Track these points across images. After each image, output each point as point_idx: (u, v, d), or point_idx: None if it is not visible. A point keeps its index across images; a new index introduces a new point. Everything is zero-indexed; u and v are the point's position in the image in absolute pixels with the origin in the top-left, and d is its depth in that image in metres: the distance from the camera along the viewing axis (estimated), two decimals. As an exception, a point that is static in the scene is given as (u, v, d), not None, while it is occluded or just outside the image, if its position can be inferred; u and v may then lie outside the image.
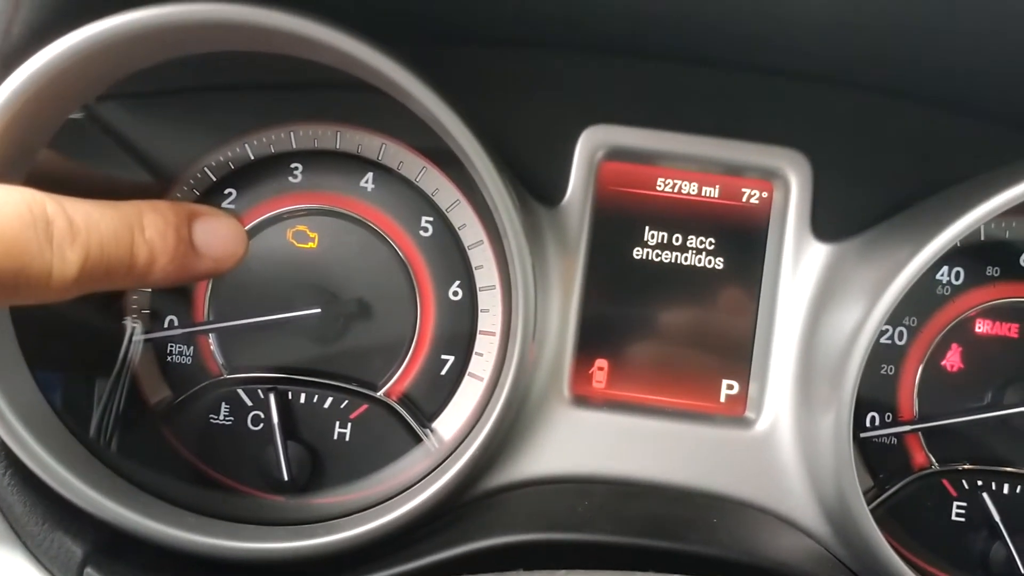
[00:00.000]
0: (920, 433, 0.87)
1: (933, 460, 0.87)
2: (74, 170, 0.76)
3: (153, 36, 0.63)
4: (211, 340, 0.87)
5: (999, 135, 0.86)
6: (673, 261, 0.88)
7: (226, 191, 0.87)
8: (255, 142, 0.88)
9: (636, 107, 0.86)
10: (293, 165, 0.88)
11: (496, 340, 0.87)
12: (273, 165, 0.88)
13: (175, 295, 0.87)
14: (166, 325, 0.87)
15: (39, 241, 0.59)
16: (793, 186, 0.86)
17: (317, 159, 0.88)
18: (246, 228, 0.86)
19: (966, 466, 0.86)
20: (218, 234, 0.70)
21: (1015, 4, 0.65)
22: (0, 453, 0.74)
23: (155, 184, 0.85)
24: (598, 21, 0.82)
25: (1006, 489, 0.85)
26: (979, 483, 0.86)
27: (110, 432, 0.84)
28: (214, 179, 0.87)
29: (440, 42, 0.85)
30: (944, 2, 0.68)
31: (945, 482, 0.86)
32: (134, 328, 0.87)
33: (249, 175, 0.88)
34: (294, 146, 0.88)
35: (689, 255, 0.88)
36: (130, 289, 0.86)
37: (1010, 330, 0.88)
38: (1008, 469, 0.86)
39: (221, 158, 0.87)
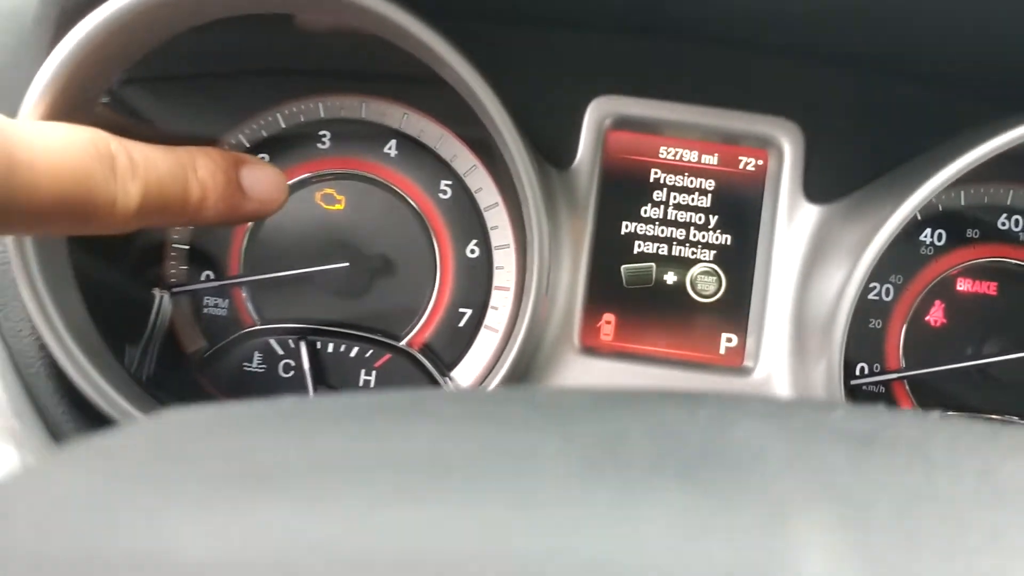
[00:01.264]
0: (905, 381, 0.93)
1: (918, 407, 0.93)
2: (129, 124, 0.82)
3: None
4: (244, 293, 0.93)
5: (980, 108, 0.93)
6: (675, 222, 0.94)
7: (259, 156, 0.94)
8: (286, 112, 0.94)
9: (641, 80, 0.93)
10: (321, 133, 0.94)
11: (510, 295, 0.93)
12: (303, 133, 0.94)
13: (212, 251, 0.94)
14: (202, 279, 0.93)
15: (104, 173, 0.64)
16: (787, 153, 0.93)
17: (344, 127, 0.94)
18: (279, 190, 0.93)
19: (949, 413, 0.92)
20: (263, 179, 0.77)
21: None
22: (55, 385, 0.80)
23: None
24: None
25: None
26: (962, 429, 0.92)
27: (147, 377, 0.90)
28: (247, 145, 0.94)
29: (458, 18, 0.92)
30: None
31: (930, 429, 0.92)
32: (163, 296, 0.93)
33: (281, 142, 0.94)
34: (322, 115, 0.94)
35: (690, 217, 0.94)
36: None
37: (989, 288, 0.94)
38: (988, 416, 0.92)
39: (255, 127, 0.94)
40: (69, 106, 0.71)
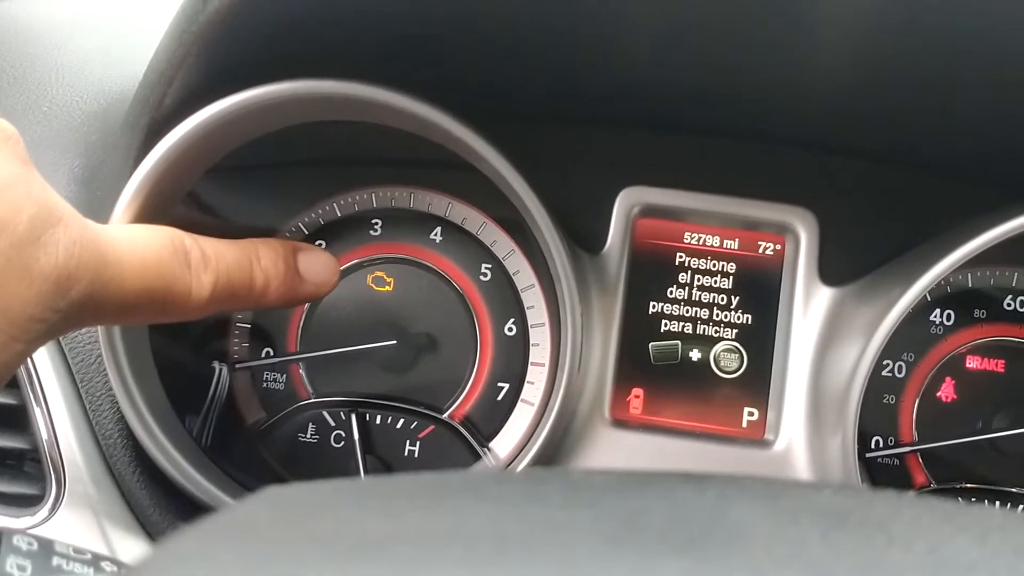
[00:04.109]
0: (919, 454, 0.99)
1: (931, 479, 0.98)
2: (199, 217, 0.91)
3: (289, 106, 0.80)
4: (301, 369, 1.01)
5: (987, 195, 0.99)
6: (699, 302, 1.01)
7: (317, 242, 1.02)
8: (341, 202, 1.03)
9: (666, 171, 1.01)
10: (373, 220, 1.03)
11: (545, 370, 1.00)
12: (356, 221, 1.03)
13: (271, 330, 1.02)
14: (262, 355, 1.01)
15: (181, 267, 0.73)
16: (803, 239, 0.99)
17: (394, 215, 1.03)
18: (333, 273, 1.02)
19: (963, 484, 0.98)
20: (318, 264, 0.85)
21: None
22: (131, 455, 0.88)
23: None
24: (633, 99, 0.98)
25: (997, 506, 0.96)
26: (973, 500, 0.97)
27: (207, 446, 0.98)
28: (306, 232, 1.03)
29: (495, 120, 1.00)
30: (943, 88, 0.83)
31: (943, 500, 0.97)
32: (222, 368, 1.01)
33: (336, 229, 1.03)
34: (375, 205, 1.03)
35: (713, 298, 1.01)
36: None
37: (997, 365, 1.00)
38: (999, 488, 0.97)
39: (313, 215, 1.03)
40: (154, 209, 0.80)
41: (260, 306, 0.83)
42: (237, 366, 1.00)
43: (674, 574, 0.27)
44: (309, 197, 1.03)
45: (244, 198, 1.02)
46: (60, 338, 0.90)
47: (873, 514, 0.35)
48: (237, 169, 1.01)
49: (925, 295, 0.92)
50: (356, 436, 0.97)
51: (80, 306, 0.64)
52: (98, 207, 0.86)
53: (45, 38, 1.07)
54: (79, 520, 0.86)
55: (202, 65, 0.79)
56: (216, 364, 1.01)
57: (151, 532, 0.87)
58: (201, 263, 0.74)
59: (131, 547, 0.86)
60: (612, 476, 0.39)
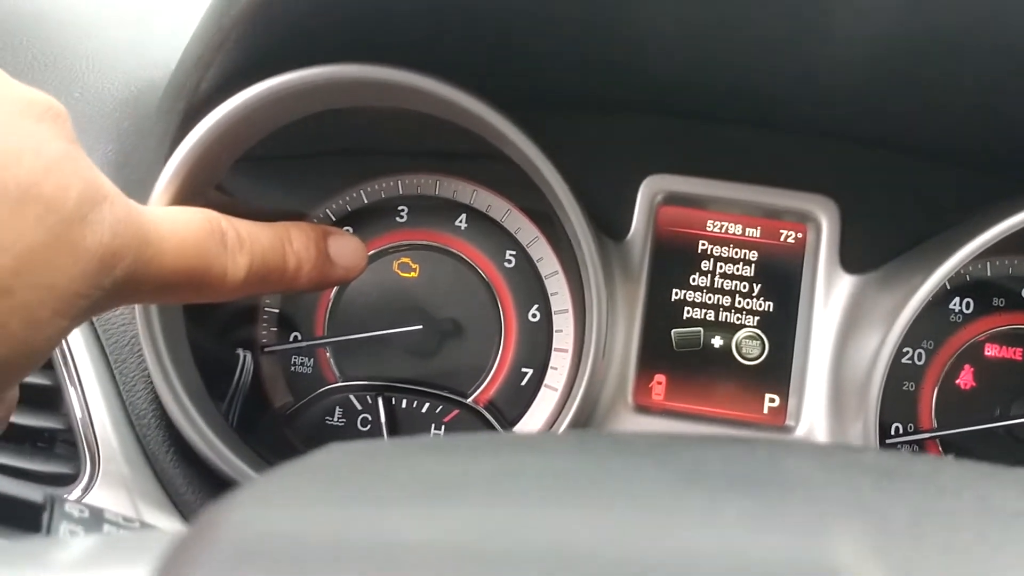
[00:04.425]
0: (938, 441, 1.00)
1: (951, 465, 0.99)
2: (233, 203, 0.93)
3: (324, 91, 0.81)
4: (328, 353, 1.03)
5: (1007, 184, 1.00)
6: (721, 289, 1.03)
7: (344, 229, 1.04)
8: (368, 189, 1.04)
9: (690, 160, 1.02)
10: (400, 207, 1.04)
11: (568, 356, 1.02)
12: (383, 208, 1.04)
13: (299, 315, 1.03)
14: (291, 340, 1.03)
15: (217, 248, 0.74)
16: (824, 227, 1.01)
17: (419, 202, 1.04)
18: (360, 260, 1.03)
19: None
20: (347, 248, 0.87)
21: None
22: (164, 434, 0.89)
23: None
24: (658, 89, 0.99)
25: (1017, 491, 0.98)
26: (992, 485, 0.98)
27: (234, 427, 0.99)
28: (334, 219, 1.04)
29: (526, 106, 1.02)
30: (965, 80, 0.85)
31: (962, 486, 0.99)
32: (246, 356, 1.03)
33: (363, 216, 1.04)
34: (400, 192, 1.04)
35: (735, 285, 1.03)
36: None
37: (1015, 353, 1.01)
38: (1018, 473, 0.98)
39: (340, 202, 1.04)
40: (189, 194, 0.82)
41: (291, 289, 0.84)
42: (265, 350, 1.02)
43: (740, 512, 0.28)
44: (336, 185, 1.04)
45: (273, 186, 1.04)
46: (94, 319, 0.91)
47: (920, 469, 0.36)
48: (265, 159, 1.03)
49: (945, 283, 0.93)
50: (383, 419, 0.98)
51: (122, 284, 0.65)
52: (132, 191, 0.86)
53: (76, 26, 1.09)
54: (113, 499, 0.87)
55: (239, 51, 0.80)
56: (240, 351, 1.03)
57: (184, 511, 0.88)
58: (237, 244, 0.75)
59: (165, 526, 0.88)
60: (666, 438, 0.40)
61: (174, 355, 0.85)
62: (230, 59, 0.81)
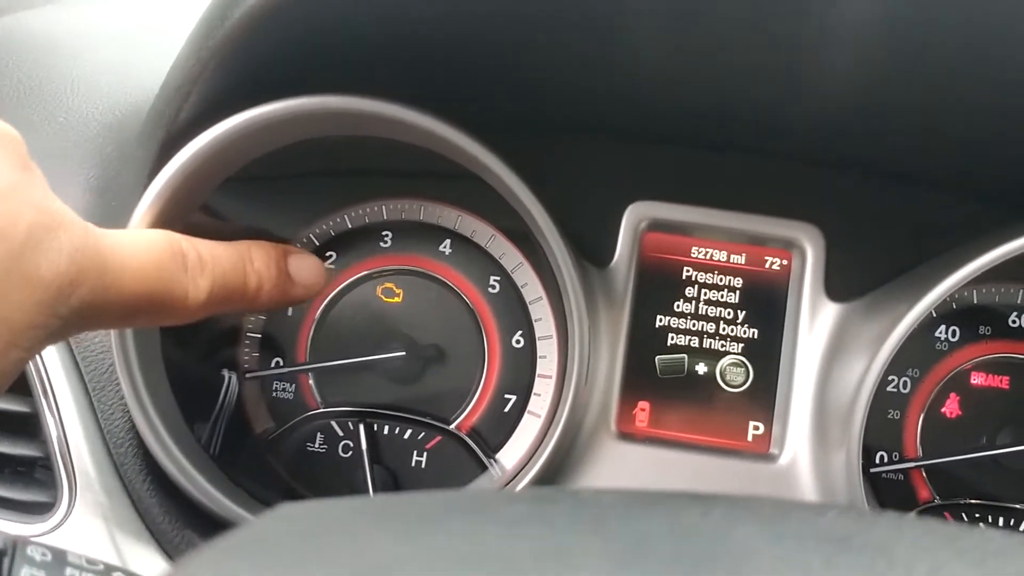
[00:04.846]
0: (923, 470, 0.99)
1: (936, 495, 0.99)
2: (213, 229, 0.92)
3: (302, 122, 0.81)
4: (310, 379, 1.02)
5: (992, 210, 1.00)
6: (706, 315, 1.02)
7: (327, 254, 1.03)
8: (352, 214, 1.04)
9: (674, 186, 1.02)
10: (384, 232, 1.04)
11: (552, 383, 1.01)
12: (366, 232, 1.04)
13: (281, 340, 1.03)
14: (272, 365, 1.02)
15: (178, 270, 0.73)
16: (809, 255, 1.00)
17: (404, 227, 1.04)
18: (343, 285, 1.03)
19: (967, 500, 0.98)
20: (307, 267, 0.87)
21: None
22: (142, 464, 0.89)
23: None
24: (642, 115, 0.99)
25: (1001, 522, 0.97)
26: (977, 515, 0.97)
27: (216, 454, 0.98)
28: (317, 244, 1.04)
29: (505, 132, 1.01)
30: (949, 108, 0.84)
31: (947, 515, 0.98)
32: (231, 376, 1.02)
33: (347, 240, 1.04)
34: (385, 217, 1.04)
35: (719, 312, 1.02)
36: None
37: (1001, 382, 1.00)
38: (1004, 504, 0.98)
39: (324, 226, 1.04)
40: (168, 219, 0.81)
41: (251, 308, 0.84)
42: (247, 376, 1.01)
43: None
44: (320, 208, 1.04)
45: (255, 208, 1.03)
46: (73, 347, 0.91)
47: (875, 537, 0.36)
48: (249, 180, 1.02)
49: (931, 311, 0.92)
50: (364, 446, 0.98)
51: (81, 311, 0.64)
52: (113, 218, 0.87)
53: (62, 50, 1.09)
54: (90, 528, 0.87)
55: (218, 80, 0.80)
56: (225, 372, 1.02)
57: (161, 541, 0.88)
58: (198, 266, 0.75)
59: (142, 556, 0.87)
60: (618, 497, 0.40)
61: (150, 382, 0.84)
62: (209, 89, 0.80)
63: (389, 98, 0.84)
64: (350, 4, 0.74)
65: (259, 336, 1.03)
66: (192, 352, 1.00)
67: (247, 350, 1.03)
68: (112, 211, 0.91)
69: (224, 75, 0.80)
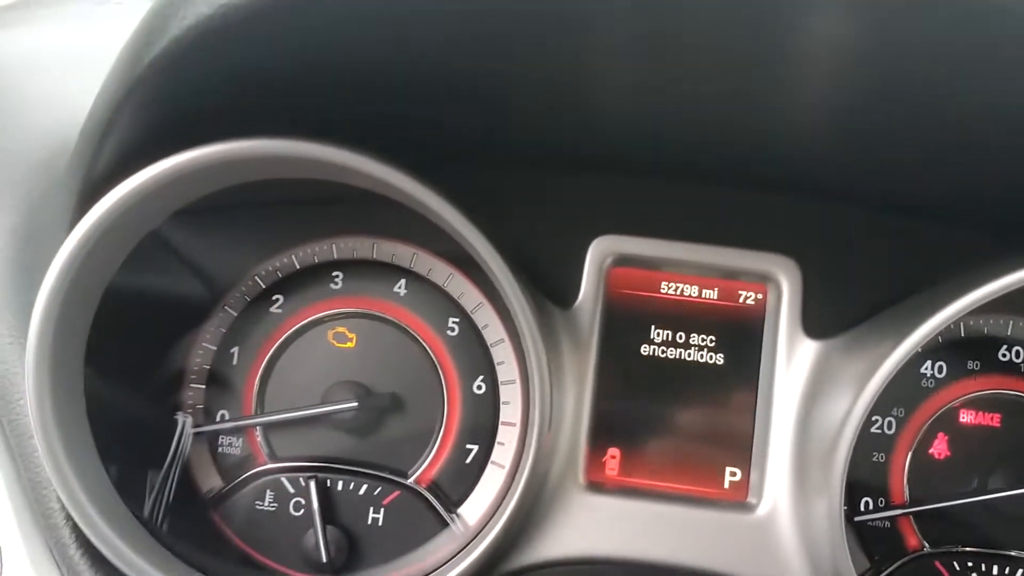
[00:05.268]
0: (911, 516, 0.93)
1: (925, 543, 0.93)
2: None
3: (220, 169, 0.75)
4: (258, 432, 0.96)
5: (971, 239, 0.94)
6: (677, 357, 0.96)
7: (274, 297, 0.97)
8: (300, 253, 0.98)
9: (640, 219, 0.96)
10: (334, 273, 0.98)
11: (516, 430, 0.95)
12: (316, 273, 0.98)
13: (226, 392, 0.97)
14: (218, 419, 0.96)
15: None
16: (785, 289, 0.94)
17: (356, 267, 0.98)
18: (291, 331, 0.96)
19: (959, 548, 0.92)
20: None
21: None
22: (73, 535, 0.83)
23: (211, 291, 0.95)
24: (606, 145, 0.93)
25: (995, 571, 0.91)
26: (970, 564, 0.91)
27: (162, 517, 0.92)
28: (263, 286, 0.98)
29: (466, 165, 0.96)
30: (922, 133, 0.79)
31: (938, 564, 0.92)
32: (185, 422, 0.96)
33: (295, 282, 0.98)
34: (335, 256, 0.98)
35: (692, 351, 0.96)
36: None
37: (992, 419, 0.94)
38: (998, 551, 0.92)
39: (270, 267, 0.98)
40: (84, 283, 0.75)
41: None
42: (186, 431, 0.95)
43: None
44: (265, 247, 0.97)
45: (195, 247, 0.97)
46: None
47: None
48: (187, 213, 0.96)
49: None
50: (315, 505, 0.91)
51: None
52: (40, 268, 0.80)
53: (-10, 82, 1.02)
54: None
55: (135, 125, 0.74)
56: (180, 415, 0.96)
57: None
58: None
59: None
60: None
61: (74, 451, 0.78)
62: (127, 133, 0.74)
63: (323, 138, 0.78)
64: (271, 41, 0.68)
65: (203, 387, 0.97)
66: (132, 409, 0.93)
67: (190, 403, 0.96)
68: (37, 263, 0.85)
69: (140, 119, 0.74)
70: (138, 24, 0.70)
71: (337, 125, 0.81)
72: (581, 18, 0.67)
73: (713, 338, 0.96)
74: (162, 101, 0.73)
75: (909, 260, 0.94)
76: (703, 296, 0.97)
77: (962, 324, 0.96)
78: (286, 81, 0.75)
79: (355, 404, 0.93)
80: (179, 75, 0.69)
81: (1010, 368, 0.95)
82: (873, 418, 0.94)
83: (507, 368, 0.96)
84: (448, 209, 0.80)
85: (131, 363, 0.92)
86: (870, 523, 0.93)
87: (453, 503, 0.95)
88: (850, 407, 0.84)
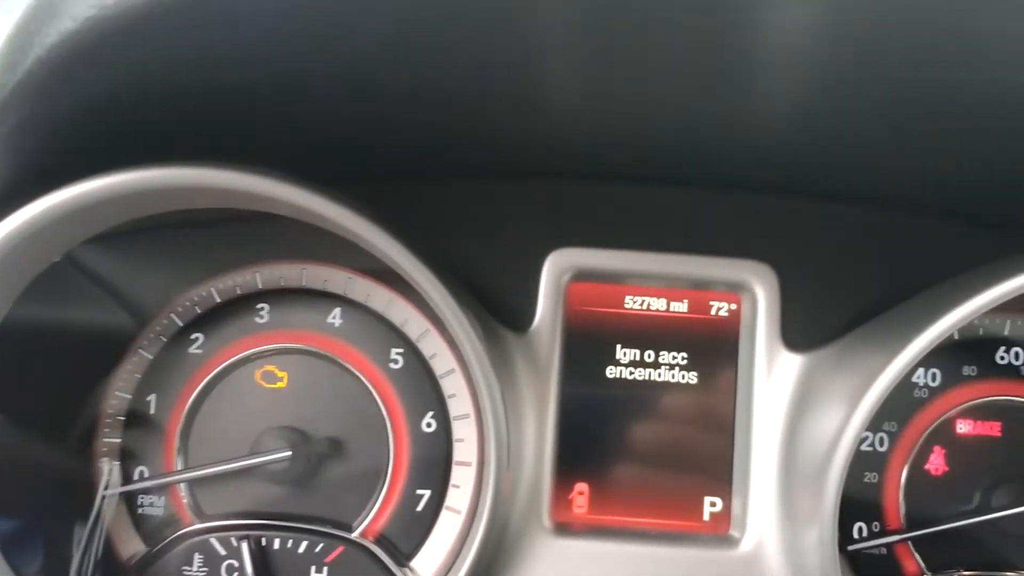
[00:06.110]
0: (909, 541, 0.85)
1: (925, 569, 0.85)
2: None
3: (119, 199, 0.64)
4: (182, 489, 0.86)
5: (961, 234, 0.87)
6: (647, 378, 0.87)
7: (193, 336, 0.87)
8: (220, 285, 0.87)
9: (599, 228, 0.87)
10: (259, 306, 0.88)
11: (472, 470, 0.86)
12: (239, 307, 0.88)
13: (144, 445, 0.86)
14: (136, 476, 0.86)
15: None
16: (760, 298, 0.86)
17: (283, 297, 0.88)
18: (214, 373, 0.86)
19: (961, 573, 0.84)
20: None
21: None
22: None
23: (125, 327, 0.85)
24: (558, 149, 0.83)
25: (1002, 594, 0.83)
26: (974, 590, 0.84)
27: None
28: (180, 324, 0.87)
29: (403, 177, 0.86)
30: (899, 122, 0.70)
31: (940, 590, 0.84)
32: (110, 477, 0.85)
33: (215, 319, 0.87)
34: (259, 286, 0.88)
35: (662, 371, 0.87)
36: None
37: (992, 428, 0.87)
38: (1004, 574, 0.84)
39: (188, 303, 0.87)
40: None
41: None
42: (106, 491, 0.84)
43: None
44: (186, 270, 0.87)
45: (111, 271, 0.86)
46: None
47: None
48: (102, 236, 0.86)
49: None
50: (248, 569, 0.81)
51: None
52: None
53: None
54: None
55: (7, 161, 0.63)
56: (106, 463, 0.85)
57: None
58: None
59: None
60: None
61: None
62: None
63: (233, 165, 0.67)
64: (155, 55, 0.58)
65: (117, 442, 0.86)
66: (34, 464, 0.82)
67: (105, 460, 0.86)
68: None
69: (13, 154, 0.63)
70: None
71: (257, 149, 0.71)
72: (529, 8, 0.57)
73: (685, 355, 0.87)
74: (33, 132, 0.62)
75: (894, 260, 0.86)
76: (672, 310, 0.88)
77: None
78: (176, 102, 0.64)
79: (289, 452, 0.83)
80: (46, 104, 0.59)
81: (1009, 371, 0.87)
82: (864, 435, 0.86)
83: (459, 401, 0.87)
84: (359, 222, 0.70)
85: (33, 411, 0.81)
86: (864, 552, 0.85)
87: (404, 556, 0.85)
88: (842, 425, 0.76)
